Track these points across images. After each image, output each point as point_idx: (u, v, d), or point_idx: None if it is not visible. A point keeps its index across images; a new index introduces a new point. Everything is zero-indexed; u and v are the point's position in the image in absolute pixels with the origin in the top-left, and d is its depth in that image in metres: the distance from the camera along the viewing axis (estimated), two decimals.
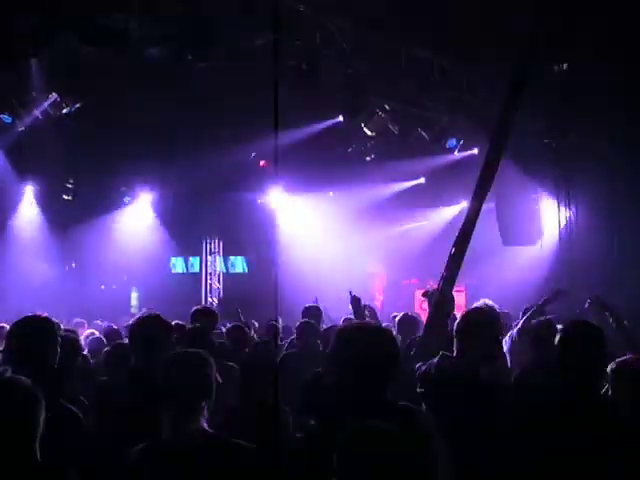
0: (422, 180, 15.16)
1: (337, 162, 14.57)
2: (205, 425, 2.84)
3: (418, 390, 3.77)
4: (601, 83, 10.05)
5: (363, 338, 2.56)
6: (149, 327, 4.15)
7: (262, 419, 3.90)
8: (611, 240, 13.26)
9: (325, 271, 15.06)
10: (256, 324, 9.27)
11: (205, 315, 6.05)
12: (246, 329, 6.49)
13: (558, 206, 14.17)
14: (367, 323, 2.88)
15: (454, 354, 3.77)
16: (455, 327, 3.84)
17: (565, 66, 9.56)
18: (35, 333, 3.53)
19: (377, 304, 14.87)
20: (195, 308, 6.29)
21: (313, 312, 7.05)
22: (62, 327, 6.97)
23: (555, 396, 3.09)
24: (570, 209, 14.17)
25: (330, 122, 12.04)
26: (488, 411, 3.12)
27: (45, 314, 4.47)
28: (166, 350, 4.22)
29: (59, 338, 3.62)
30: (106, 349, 5.61)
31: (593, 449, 2.88)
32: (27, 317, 3.68)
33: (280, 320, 8.74)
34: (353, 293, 6.93)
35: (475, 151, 12.34)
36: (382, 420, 2.15)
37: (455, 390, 3.45)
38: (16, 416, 2.52)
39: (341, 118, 11.12)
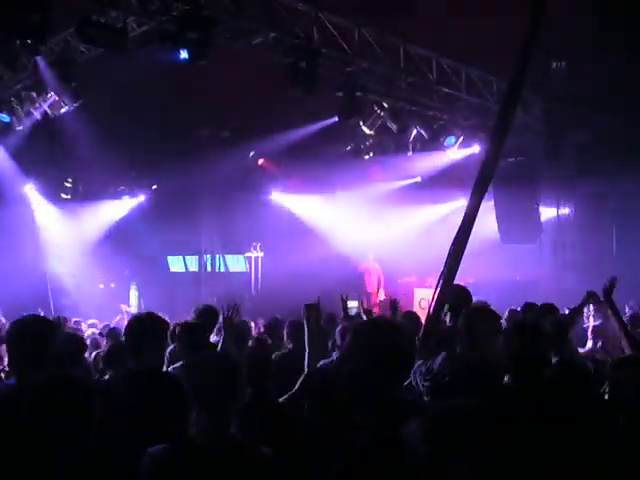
0: (419, 179, 15.15)
1: (335, 160, 14.60)
2: (231, 429, 2.86)
3: (422, 386, 3.78)
4: (601, 82, 10.07)
5: (381, 337, 2.52)
6: (145, 326, 4.15)
7: (264, 417, 3.90)
8: (611, 240, 13.28)
9: (324, 269, 15.04)
10: (252, 323, 9.26)
11: (206, 313, 6.02)
12: (248, 326, 6.48)
13: (557, 204, 14.20)
14: (384, 321, 2.82)
15: (457, 350, 3.79)
16: (458, 324, 3.87)
17: (564, 64, 9.56)
18: (34, 333, 3.51)
19: (378, 301, 14.92)
20: (197, 306, 6.27)
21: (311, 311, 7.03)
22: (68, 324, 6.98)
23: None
24: (569, 207, 14.19)
25: (329, 121, 12.05)
26: (490, 407, 3.13)
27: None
28: (163, 349, 4.20)
29: (59, 338, 3.61)
30: (104, 348, 5.60)
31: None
32: (26, 317, 3.66)
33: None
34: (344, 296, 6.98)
35: (474, 149, 12.34)
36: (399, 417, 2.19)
37: (459, 386, 3.46)
38: (74, 409, 2.62)
39: (337, 119, 11.09)
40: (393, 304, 6.49)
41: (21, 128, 10.87)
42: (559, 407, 3.06)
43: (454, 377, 3.57)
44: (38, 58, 8.88)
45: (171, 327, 5.02)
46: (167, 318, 6.62)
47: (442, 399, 3.52)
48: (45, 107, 10.35)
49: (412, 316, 6.32)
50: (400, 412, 2.33)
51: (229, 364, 2.97)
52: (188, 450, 2.75)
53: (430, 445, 1.97)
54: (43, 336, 3.53)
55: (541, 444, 2.89)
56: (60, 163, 14.03)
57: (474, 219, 4.21)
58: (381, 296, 15.22)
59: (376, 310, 14.62)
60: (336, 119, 11.15)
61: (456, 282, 4.34)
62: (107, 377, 5.02)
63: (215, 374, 2.88)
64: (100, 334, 7.37)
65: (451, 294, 4.46)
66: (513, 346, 3.28)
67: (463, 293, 4.85)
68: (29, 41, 7.32)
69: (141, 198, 16.33)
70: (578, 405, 3.13)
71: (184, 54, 7.90)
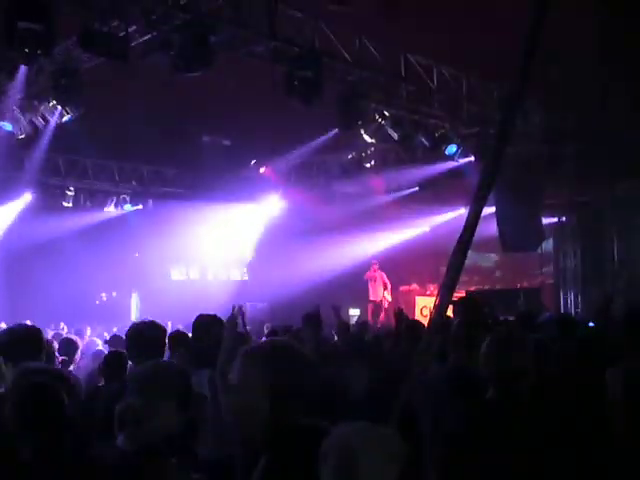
0: (417, 188, 15.12)
1: (337, 168, 14.63)
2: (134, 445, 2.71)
3: (416, 397, 3.77)
4: (601, 84, 10.08)
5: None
6: (145, 333, 4.15)
7: None
8: (612, 249, 13.27)
9: (326, 277, 15.05)
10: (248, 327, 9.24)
11: (209, 321, 5.95)
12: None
13: (558, 212, 14.19)
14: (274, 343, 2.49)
15: (452, 360, 3.79)
16: (451, 334, 3.86)
17: (564, 72, 9.58)
18: None
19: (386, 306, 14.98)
20: (200, 315, 6.20)
21: (311, 319, 7.01)
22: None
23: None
24: (570, 216, 14.18)
25: (330, 133, 12.11)
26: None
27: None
28: (162, 356, 4.22)
29: None
30: (104, 355, 5.59)
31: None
32: None
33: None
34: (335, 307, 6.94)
35: (475, 157, 12.35)
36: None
37: (446, 397, 3.45)
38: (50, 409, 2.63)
39: (337, 130, 11.11)
40: (398, 315, 6.40)
41: (23, 136, 10.90)
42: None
43: (443, 388, 3.56)
44: (41, 67, 8.91)
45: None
46: (169, 325, 6.59)
47: (433, 411, 3.50)
48: (47, 116, 10.39)
49: (417, 326, 6.26)
50: (296, 440, 2.14)
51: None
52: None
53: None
54: None
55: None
56: (62, 171, 14.06)
57: (475, 228, 4.20)
58: (387, 300, 15.24)
59: (383, 316, 14.66)
60: (337, 130, 11.18)
61: (457, 290, 4.34)
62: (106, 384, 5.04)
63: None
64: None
65: (465, 307, 4.44)
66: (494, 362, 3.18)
67: (476, 304, 4.83)
68: (30, 48, 7.32)
69: (140, 207, 16.34)
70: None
71: (185, 63, 7.93)
